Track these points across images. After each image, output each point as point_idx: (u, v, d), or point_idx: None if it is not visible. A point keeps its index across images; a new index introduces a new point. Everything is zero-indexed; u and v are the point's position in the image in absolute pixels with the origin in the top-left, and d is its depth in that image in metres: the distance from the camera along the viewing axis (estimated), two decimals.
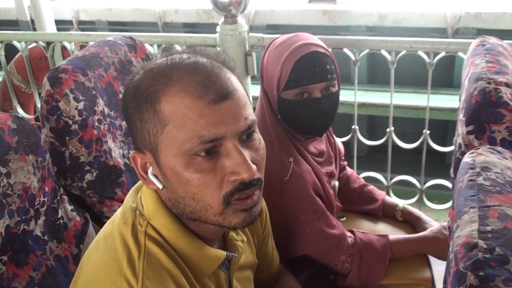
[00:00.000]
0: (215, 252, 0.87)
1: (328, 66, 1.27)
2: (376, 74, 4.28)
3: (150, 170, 0.82)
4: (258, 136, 0.82)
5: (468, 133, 1.10)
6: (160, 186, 0.81)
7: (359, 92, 2.00)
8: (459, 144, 1.14)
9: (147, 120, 0.77)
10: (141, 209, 0.85)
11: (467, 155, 0.90)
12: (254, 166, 0.76)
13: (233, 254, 0.92)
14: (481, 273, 0.64)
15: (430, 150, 1.99)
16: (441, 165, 3.91)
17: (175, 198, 0.80)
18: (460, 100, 1.33)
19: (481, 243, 0.67)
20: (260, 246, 1.13)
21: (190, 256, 0.83)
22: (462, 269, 0.66)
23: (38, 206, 1.15)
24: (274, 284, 1.25)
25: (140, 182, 0.91)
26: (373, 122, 4.40)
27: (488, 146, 0.94)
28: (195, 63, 0.77)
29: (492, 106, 1.07)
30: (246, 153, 0.77)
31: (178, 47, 0.86)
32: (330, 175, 1.44)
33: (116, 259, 0.79)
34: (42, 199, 1.16)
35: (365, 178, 1.72)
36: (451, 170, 1.22)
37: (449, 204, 1.96)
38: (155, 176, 0.81)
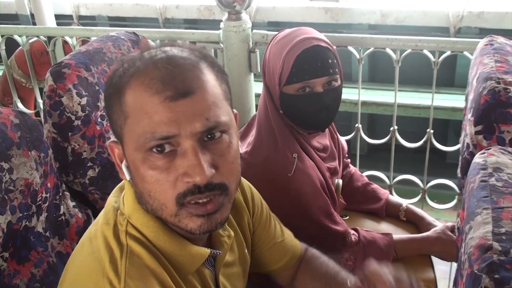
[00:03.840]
0: (198, 249, 0.84)
1: (330, 60, 1.26)
2: (377, 72, 4.27)
3: (124, 161, 0.81)
4: (227, 139, 0.78)
5: (477, 133, 1.08)
6: (128, 177, 0.80)
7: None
8: (467, 144, 1.13)
9: (114, 111, 0.78)
10: (122, 208, 0.84)
11: (478, 155, 0.89)
12: (210, 170, 0.73)
13: (217, 251, 0.89)
14: (496, 276, 0.63)
15: (431, 149, 1.98)
16: (441, 164, 3.91)
17: (138, 192, 0.79)
18: (466, 100, 1.32)
19: (496, 245, 0.66)
20: (260, 238, 1.10)
21: (172, 254, 0.82)
22: (476, 271, 0.65)
23: (40, 202, 1.14)
24: (305, 263, 1.18)
25: (123, 181, 0.89)
26: (373, 120, 4.40)
27: (499, 146, 0.93)
28: (166, 58, 0.75)
29: (501, 106, 1.05)
30: (206, 156, 0.74)
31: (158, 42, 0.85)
32: (333, 172, 1.43)
33: (99, 260, 0.77)
34: (44, 195, 1.15)
35: (368, 177, 1.71)
36: (458, 170, 1.21)
37: (451, 204, 1.95)
38: (127, 166, 0.80)
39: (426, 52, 1.78)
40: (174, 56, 0.76)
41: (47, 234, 1.17)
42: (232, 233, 0.94)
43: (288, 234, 1.17)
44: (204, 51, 0.81)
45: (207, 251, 0.86)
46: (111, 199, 0.88)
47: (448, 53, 1.77)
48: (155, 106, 0.72)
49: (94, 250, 0.80)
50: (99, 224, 0.84)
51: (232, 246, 0.97)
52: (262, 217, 1.10)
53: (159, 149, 0.73)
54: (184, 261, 0.83)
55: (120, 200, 0.86)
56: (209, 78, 0.77)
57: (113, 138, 0.82)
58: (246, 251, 1.05)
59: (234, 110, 0.85)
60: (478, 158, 0.88)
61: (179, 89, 0.72)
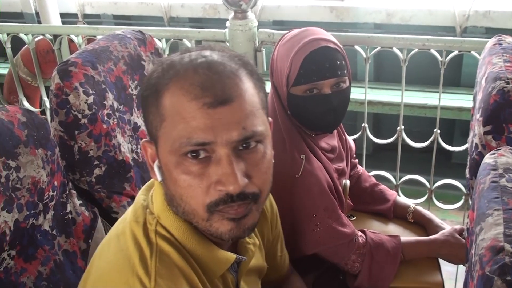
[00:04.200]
0: (225, 254, 0.85)
1: (338, 62, 1.25)
2: (382, 71, 4.26)
3: (156, 161, 0.81)
4: (262, 148, 0.78)
5: (486, 133, 1.08)
6: (159, 178, 0.81)
7: (364, 90, 1.98)
8: (476, 144, 1.12)
9: (151, 112, 0.78)
10: (151, 207, 0.84)
11: (488, 156, 0.88)
12: (243, 180, 0.74)
13: (243, 257, 0.90)
14: (508, 278, 0.62)
15: (436, 149, 1.97)
16: (446, 164, 3.90)
17: (169, 194, 0.80)
18: (474, 100, 1.31)
19: (508, 246, 0.65)
20: (268, 248, 1.11)
21: (200, 256, 0.82)
22: (488, 273, 0.64)
23: (47, 200, 1.14)
24: (281, 285, 1.23)
25: (152, 179, 0.90)
26: (378, 119, 4.38)
27: (509, 147, 0.92)
28: (206, 63, 0.75)
29: (510, 106, 1.04)
30: (240, 165, 0.74)
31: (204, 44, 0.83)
32: (341, 173, 1.43)
33: (128, 258, 0.77)
34: (51, 193, 1.15)
35: (374, 177, 1.70)
36: (467, 171, 1.20)
37: (458, 204, 1.94)
38: (160, 167, 0.81)
39: (433, 51, 1.77)
40: (215, 62, 0.75)
41: (54, 232, 1.17)
42: (257, 242, 0.95)
43: (285, 252, 1.20)
44: (244, 58, 0.81)
45: (233, 256, 0.86)
46: (140, 197, 0.88)
47: (456, 52, 1.75)
48: (193, 112, 0.72)
49: (122, 247, 0.80)
50: (127, 221, 0.84)
51: (255, 254, 0.97)
52: (278, 229, 1.12)
53: (194, 154, 0.73)
54: (211, 264, 0.83)
55: (149, 198, 0.86)
56: (248, 86, 0.77)
57: (141, 137, 0.83)
58: (265, 261, 1.06)
59: (269, 118, 0.84)
60: (488, 159, 0.87)
61: (218, 96, 0.72)
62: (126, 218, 0.86)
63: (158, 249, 0.78)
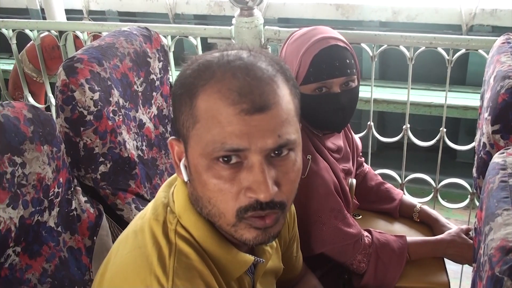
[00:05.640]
0: (243, 256, 0.85)
1: (348, 61, 1.25)
2: (387, 70, 4.24)
3: (183, 160, 0.81)
4: (293, 156, 0.77)
5: (494, 132, 1.07)
6: (186, 178, 0.80)
7: (370, 88, 1.97)
8: (483, 143, 1.11)
9: (183, 112, 0.76)
10: (172, 205, 0.84)
11: (497, 155, 0.88)
12: (274, 188, 0.73)
13: (260, 259, 0.90)
14: None
15: (442, 148, 1.96)
16: (451, 163, 3.89)
17: (195, 195, 0.79)
18: (482, 98, 1.30)
19: None
20: (285, 250, 1.11)
21: (218, 257, 0.82)
22: (498, 273, 0.63)
23: (52, 197, 1.13)
24: (296, 283, 1.23)
25: (173, 176, 0.90)
26: (383, 118, 4.37)
27: None
28: (244, 67, 0.73)
29: None
30: (271, 172, 0.73)
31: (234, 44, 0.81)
32: (347, 172, 1.42)
33: (146, 256, 0.77)
34: (56, 190, 1.15)
35: (379, 175, 1.69)
36: (474, 170, 1.19)
37: (464, 203, 1.93)
38: (186, 167, 0.80)
39: (440, 50, 1.76)
40: (253, 66, 0.74)
41: (59, 229, 1.17)
42: (275, 244, 0.95)
43: (300, 252, 1.20)
44: (281, 62, 0.79)
45: (251, 258, 0.86)
46: (160, 194, 0.88)
47: (463, 51, 1.74)
48: (229, 117, 0.71)
49: (140, 245, 0.79)
50: (146, 218, 0.83)
51: (272, 256, 0.97)
52: (294, 231, 1.12)
53: (226, 159, 0.73)
54: (230, 266, 0.83)
55: (170, 196, 0.86)
56: (285, 93, 0.76)
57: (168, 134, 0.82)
58: (281, 262, 1.06)
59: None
60: (497, 158, 0.86)
61: (256, 103, 0.71)
62: (146, 215, 0.85)
63: (177, 249, 0.78)
